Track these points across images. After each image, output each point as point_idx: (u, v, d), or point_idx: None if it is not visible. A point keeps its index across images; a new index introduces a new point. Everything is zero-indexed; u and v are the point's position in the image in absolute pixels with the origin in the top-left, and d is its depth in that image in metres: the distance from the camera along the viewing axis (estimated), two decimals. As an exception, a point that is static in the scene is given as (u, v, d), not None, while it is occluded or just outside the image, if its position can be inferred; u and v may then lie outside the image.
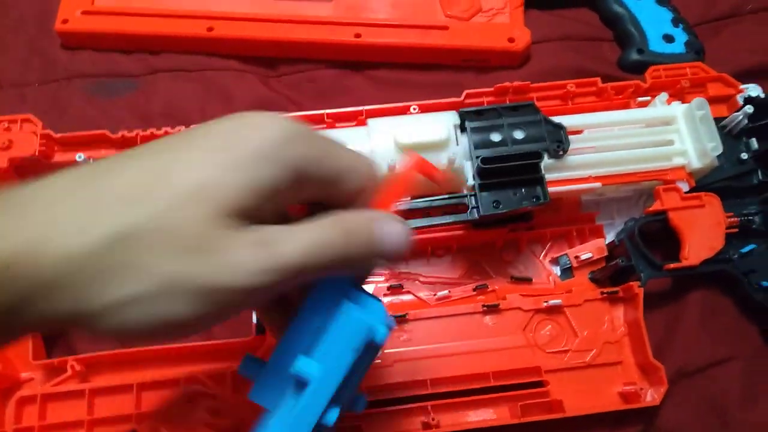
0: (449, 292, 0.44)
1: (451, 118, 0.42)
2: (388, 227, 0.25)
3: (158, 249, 0.20)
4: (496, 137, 0.41)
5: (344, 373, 0.24)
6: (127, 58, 0.53)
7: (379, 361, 0.40)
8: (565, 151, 0.42)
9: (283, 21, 0.52)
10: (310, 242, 0.22)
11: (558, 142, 0.42)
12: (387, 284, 0.45)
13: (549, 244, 0.46)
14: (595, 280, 0.45)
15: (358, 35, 0.51)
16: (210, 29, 0.52)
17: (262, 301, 0.25)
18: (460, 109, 0.42)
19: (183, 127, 0.45)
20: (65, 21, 0.53)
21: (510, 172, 0.40)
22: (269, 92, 0.52)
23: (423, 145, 0.40)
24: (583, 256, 0.44)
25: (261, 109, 0.48)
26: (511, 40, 0.51)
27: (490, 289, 0.44)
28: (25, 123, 0.44)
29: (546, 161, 0.41)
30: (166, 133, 0.45)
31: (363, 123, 0.45)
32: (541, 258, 0.46)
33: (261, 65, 0.54)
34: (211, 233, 0.20)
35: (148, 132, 0.44)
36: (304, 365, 0.24)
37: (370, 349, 0.26)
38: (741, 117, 0.44)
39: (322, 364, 0.24)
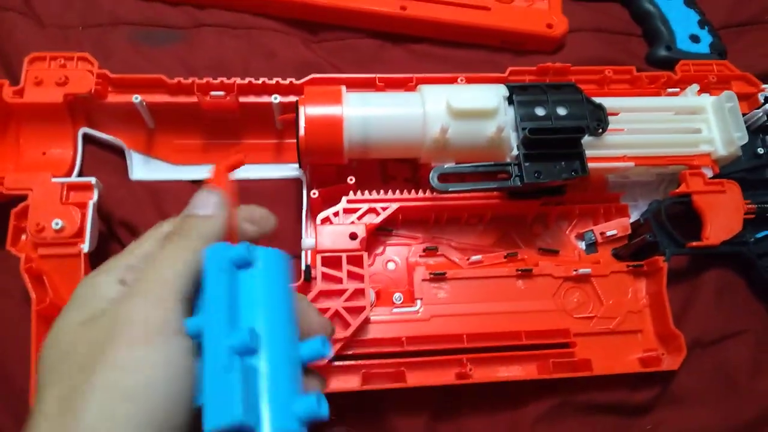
0: (482, 257, 0.46)
1: (500, 89, 0.44)
2: (196, 197, 0.27)
3: None
4: (540, 112, 0.44)
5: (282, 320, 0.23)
6: (173, 9, 0.54)
7: (419, 314, 0.42)
8: (604, 130, 0.44)
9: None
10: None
11: (598, 121, 0.44)
12: (423, 246, 0.46)
13: (576, 220, 0.48)
14: (618, 256, 0.47)
15: (403, 8, 0.53)
16: (257, -10, 0.53)
17: None
18: (508, 83, 0.45)
19: (225, 79, 0.46)
20: (113, -33, 0.53)
21: (552, 144, 0.43)
22: (311, 54, 0.53)
23: (474, 112, 0.42)
24: (609, 233, 0.47)
25: (303, 70, 0.50)
26: (549, 26, 0.54)
27: (519, 257, 0.47)
28: (81, 61, 0.44)
29: (585, 138, 0.44)
30: (209, 83, 0.45)
31: (412, 89, 0.47)
32: (567, 232, 0.48)
33: (304, 29, 0.55)
34: None
35: (204, 81, 0.45)
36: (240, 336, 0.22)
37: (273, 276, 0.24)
38: (761, 114, 0.48)
39: (260, 323, 0.23)
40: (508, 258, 0.46)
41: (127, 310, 0.22)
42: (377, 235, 0.46)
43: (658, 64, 0.55)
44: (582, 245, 0.48)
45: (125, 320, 0.22)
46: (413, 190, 0.45)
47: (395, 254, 0.47)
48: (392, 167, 0.49)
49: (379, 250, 0.47)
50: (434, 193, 0.44)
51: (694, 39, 0.55)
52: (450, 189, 0.42)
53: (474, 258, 0.46)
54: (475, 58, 0.54)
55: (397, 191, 0.45)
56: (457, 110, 0.42)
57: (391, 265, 0.46)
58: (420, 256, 0.46)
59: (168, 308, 0.22)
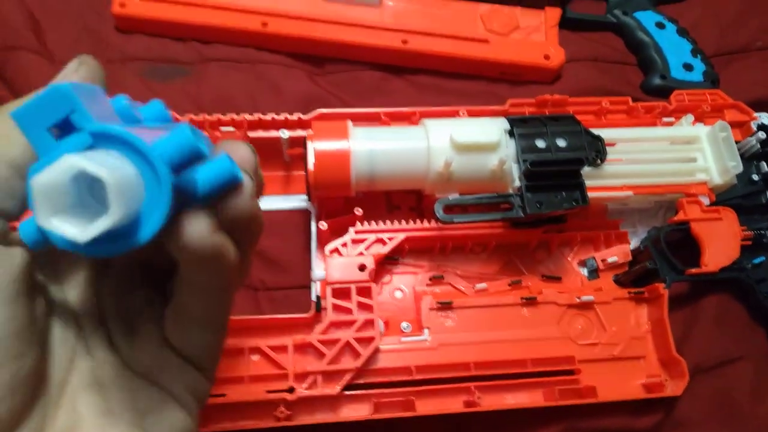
0: (487, 285, 0.47)
1: (501, 123, 0.45)
2: None
3: None
4: (540, 144, 0.45)
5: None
6: (180, 45, 0.55)
7: (427, 343, 0.43)
8: (603, 161, 0.45)
9: (333, 22, 0.55)
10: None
11: (597, 151, 0.46)
12: (429, 274, 0.47)
13: (577, 247, 0.50)
14: (619, 282, 0.48)
15: (405, 41, 0.55)
16: (264, 24, 0.54)
17: None
18: (508, 116, 0.46)
19: (234, 115, 0.47)
20: (123, 5, 0.54)
21: (553, 176, 0.44)
22: (316, 88, 0.55)
23: (477, 146, 0.43)
24: (610, 260, 0.48)
25: (308, 102, 0.52)
26: (546, 57, 0.55)
27: (523, 285, 0.48)
28: (94, 99, 0.45)
29: (584, 168, 0.45)
30: (219, 120, 0.47)
31: (415, 122, 0.48)
32: (569, 259, 0.50)
33: (308, 62, 0.56)
34: None
35: (214, 117, 0.46)
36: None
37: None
38: (754, 142, 0.49)
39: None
40: (513, 285, 0.47)
41: None
42: (384, 264, 0.48)
43: (653, 92, 0.56)
44: (584, 272, 0.49)
45: None
46: (419, 220, 0.46)
47: (402, 283, 0.48)
48: (397, 197, 0.51)
49: (387, 278, 0.48)
50: (439, 223, 0.46)
51: (688, 67, 0.57)
52: (455, 220, 0.44)
53: (479, 286, 0.47)
54: (475, 89, 0.56)
55: (403, 221, 0.46)
56: (461, 144, 0.43)
57: (398, 294, 0.47)
58: (427, 285, 0.47)
59: None
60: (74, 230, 0.15)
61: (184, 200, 0.17)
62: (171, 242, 0.18)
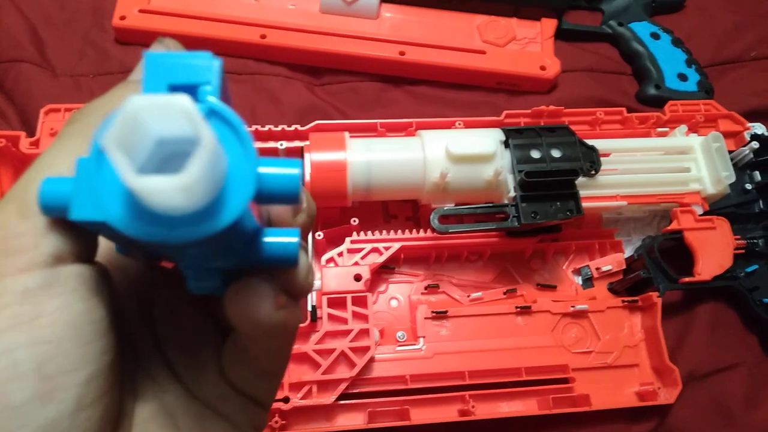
0: (482, 294, 0.48)
1: (496, 134, 0.46)
2: None
3: None
4: (536, 154, 0.46)
5: None
6: (180, 57, 0.56)
7: (422, 352, 0.44)
8: (597, 171, 0.46)
9: (332, 34, 0.56)
10: None
11: (591, 162, 0.46)
12: (425, 283, 0.48)
13: (572, 255, 0.50)
14: (614, 290, 0.49)
15: (402, 53, 0.55)
16: (263, 37, 0.55)
17: None
18: (504, 127, 0.47)
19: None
20: (123, 18, 0.55)
21: (548, 186, 0.44)
22: (315, 98, 0.55)
23: (472, 157, 0.44)
24: (604, 268, 0.49)
25: (306, 112, 0.52)
26: (542, 67, 0.56)
27: (518, 293, 0.48)
28: (95, 111, 0.46)
29: (579, 178, 0.46)
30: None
31: (412, 134, 0.49)
32: (564, 267, 0.50)
33: (306, 73, 0.57)
34: None
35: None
36: None
37: None
38: (747, 152, 0.50)
39: None
40: (508, 294, 0.48)
41: None
42: (380, 273, 0.48)
43: (648, 101, 0.57)
44: (579, 280, 0.50)
45: None
46: (414, 230, 0.47)
47: (398, 292, 0.48)
48: (394, 206, 0.51)
49: (382, 287, 0.48)
50: (435, 233, 0.46)
51: (682, 77, 0.57)
52: (450, 230, 0.44)
53: (474, 295, 0.48)
54: (472, 99, 0.56)
55: (399, 231, 0.46)
56: (456, 155, 0.44)
57: (393, 303, 0.48)
58: (422, 294, 0.48)
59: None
60: (161, 180, 0.12)
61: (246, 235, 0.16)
62: (235, 314, 0.17)
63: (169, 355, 0.20)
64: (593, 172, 0.46)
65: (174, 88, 0.14)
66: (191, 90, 0.14)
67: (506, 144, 0.46)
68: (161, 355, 0.20)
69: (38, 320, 0.15)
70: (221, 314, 0.20)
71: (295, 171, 0.15)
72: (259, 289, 0.16)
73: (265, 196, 0.15)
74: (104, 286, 0.17)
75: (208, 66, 0.14)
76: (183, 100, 0.12)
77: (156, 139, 0.13)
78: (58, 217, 0.15)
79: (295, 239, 0.16)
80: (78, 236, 0.16)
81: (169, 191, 0.12)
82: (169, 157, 0.13)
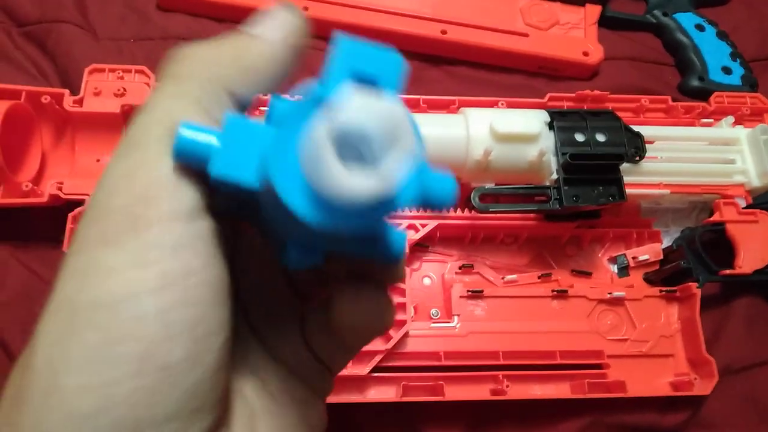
0: (516, 277, 0.47)
1: (541, 115, 0.45)
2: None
3: None
4: (580, 137, 0.45)
5: None
6: (219, 25, 0.56)
7: (456, 330, 0.44)
8: (642, 158, 0.45)
9: (373, 9, 0.55)
10: None
11: (636, 148, 0.45)
12: (459, 263, 0.48)
13: (609, 243, 0.49)
14: (649, 280, 0.48)
15: (444, 32, 0.55)
16: (306, 9, 0.54)
17: None
18: (548, 109, 0.46)
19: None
20: (165, -17, 0.55)
21: (591, 170, 0.44)
22: (353, 74, 0.55)
23: (517, 136, 0.43)
24: (641, 257, 0.48)
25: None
26: (585, 53, 0.55)
27: (553, 278, 0.48)
28: (139, 74, 0.46)
29: (622, 165, 0.45)
30: (259, 99, 0.47)
31: (454, 111, 0.48)
32: (600, 255, 0.49)
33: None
34: None
35: (254, 95, 0.46)
36: None
37: None
38: (792, 147, 0.49)
39: None
40: (542, 278, 0.47)
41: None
42: (414, 251, 0.48)
43: (690, 93, 0.56)
44: (614, 269, 0.49)
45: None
46: (452, 209, 0.46)
47: (431, 270, 0.48)
48: (430, 185, 0.51)
49: (416, 265, 0.48)
50: (472, 212, 0.46)
51: (726, 71, 0.56)
52: (491, 209, 0.44)
53: (509, 277, 0.47)
54: (512, 82, 0.56)
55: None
56: (501, 134, 0.43)
57: (426, 281, 0.48)
58: (456, 273, 0.48)
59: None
60: (365, 180, 0.12)
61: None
62: (353, 320, 0.17)
63: (252, 318, 0.20)
64: (638, 158, 0.45)
65: (357, 77, 0.14)
66: (373, 82, 0.14)
67: (550, 126, 0.45)
68: (245, 317, 0.20)
69: (188, 279, 0.14)
70: (302, 286, 0.21)
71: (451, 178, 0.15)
72: (381, 301, 0.17)
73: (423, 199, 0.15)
74: (226, 246, 0.16)
75: (395, 62, 0.14)
76: (398, 109, 0.13)
77: (361, 139, 0.12)
78: (189, 166, 0.15)
79: (404, 236, 0.17)
80: (206, 190, 0.15)
81: (368, 190, 0.12)
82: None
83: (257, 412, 0.18)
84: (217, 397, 0.15)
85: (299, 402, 0.19)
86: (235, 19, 0.56)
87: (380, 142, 0.12)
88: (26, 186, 0.42)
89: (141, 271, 0.14)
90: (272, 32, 0.18)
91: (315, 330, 0.20)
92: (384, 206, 0.13)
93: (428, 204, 0.15)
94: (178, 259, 0.14)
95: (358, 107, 0.12)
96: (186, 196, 0.14)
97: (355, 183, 0.12)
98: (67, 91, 0.45)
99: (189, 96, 0.16)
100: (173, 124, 0.15)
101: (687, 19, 0.59)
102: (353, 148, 0.12)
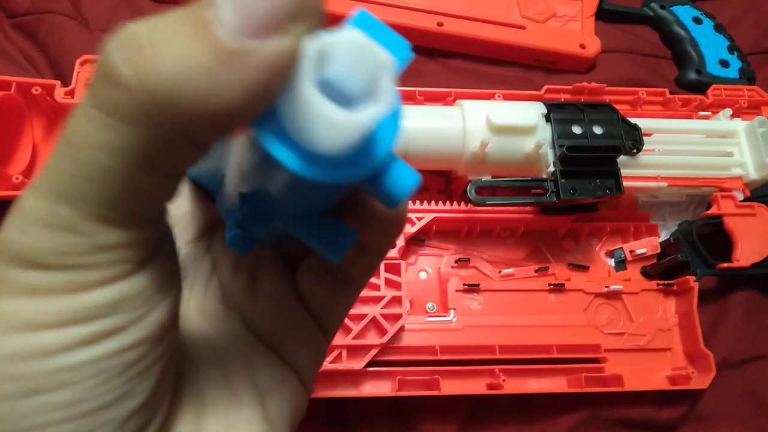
0: (513, 270, 0.47)
1: (538, 107, 0.45)
2: None
3: None
4: (577, 130, 0.45)
5: None
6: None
7: (452, 324, 0.43)
8: (639, 150, 0.45)
9: (369, 2, 0.55)
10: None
11: (633, 140, 0.45)
12: (455, 257, 0.47)
13: (606, 237, 0.49)
14: (647, 274, 0.48)
15: (440, 24, 0.54)
16: (300, 0, 0.54)
17: None
18: (545, 101, 0.46)
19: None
20: (159, -26, 0.54)
21: (589, 162, 0.43)
22: (348, 67, 0.54)
23: (514, 128, 0.43)
24: (638, 251, 0.48)
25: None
26: (582, 46, 0.55)
27: (550, 272, 0.47)
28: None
29: (619, 157, 0.45)
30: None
31: (450, 103, 0.48)
32: (597, 249, 0.49)
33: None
34: None
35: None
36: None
37: None
38: (790, 140, 0.48)
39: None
40: (539, 272, 0.47)
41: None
42: (410, 245, 0.47)
43: (687, 86, 0.56)
44: (611, 262, 0.49)
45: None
46: (447, 202, 0.46)
47: (427, 264, 0.47)
48: (426, 178, 0.50)
49: (412, 259, 0.47)
50: (468, 206, 0.45)
51: (724, 64, 0.56)
52: (488, 202, 0.43)
53: (506, 271, 0.47)
54: (508, 75, 0.56)
55: (432, 202, 0.46)
56: (498, 126, 0.43)
57: (422, 275, 0.47)
58: (452, 267, 0.47)
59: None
60: (342, 115, 0.11)
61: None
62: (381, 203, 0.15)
63: (224, 279, 0.19)
64: (635, 150, 0.45)
65: None
66: None
67: (547, 118, 0.45)
68: (216, 278, 0.19)
69: (128, 329, 0.13)
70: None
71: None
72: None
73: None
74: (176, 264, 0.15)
75: (402, 46, 0.13)
76: (388, 57, 0.12)
77: (348, 79, 0.12)
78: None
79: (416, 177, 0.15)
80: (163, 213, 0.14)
81: (348, 129, 0.11)
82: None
83: (207, 405, 0.17)
84: (158, 411, 0.15)
85: (262, 388, 0.18)
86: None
87: (365, 81, 0.12)
88: (17, 178, 0.42)
89: (73, 328, 0.12)
90: None
91: (310, 277, 0.19)
92: (367, 149, 0.13)
93: (380, 188, 0.14)
94: (118, 314, 0.12)
95: (352, 41, 0.12)
96: (126, 252, 0.12)
97: (344, 118, 0.11)
98: (58, 83, 0.44)
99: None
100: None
101: (684, 12, 0.59)
102: (336, 89, 0.12)
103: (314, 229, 0.15)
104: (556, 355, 0.43)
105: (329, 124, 0.11)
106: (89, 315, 0.12)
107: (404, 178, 0.14)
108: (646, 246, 0.48)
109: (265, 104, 0.11)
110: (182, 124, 0.10)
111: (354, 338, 0.40)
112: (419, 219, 0.45)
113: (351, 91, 0.12)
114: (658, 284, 0.46)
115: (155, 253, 0.13)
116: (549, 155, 0.44)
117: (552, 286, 0.45)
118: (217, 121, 0.11)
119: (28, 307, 0.12)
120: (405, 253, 0.47)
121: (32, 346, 0.12)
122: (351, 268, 0.18)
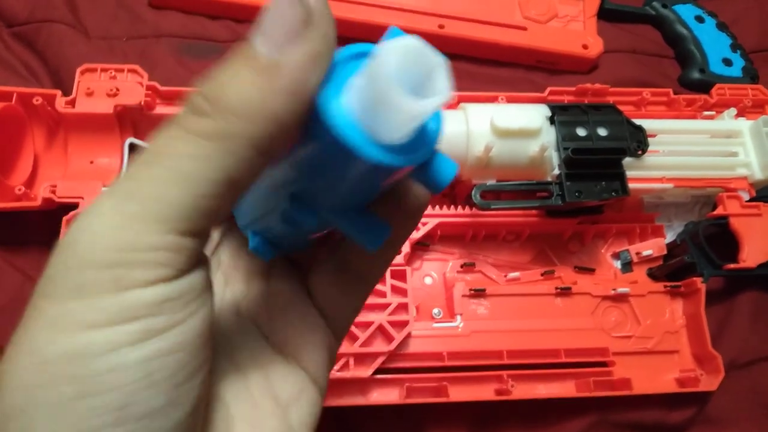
0: (519, 274, 0.47)
1: (542, 109, 0.45)
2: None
3: None
4: (581, 132, 0.44)
5: None
6: (213, 23, 0.55)
7: (459, 329, 0.43)
8: (644, 152, 0.45)
9: (369, 4, 0.54)
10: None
11: (638, 142, 0.45)
12: (460, 262, 0.47)
13: (611, 239, 0.49)
14: (653, 276, 0.48)
15: (441, 26, 0.54)
16: (300, 4, 0.54)
17: None
18: (549, 103, 0.45)
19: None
20: (157, -19, 0.54)
21: (594, 165, 0.43)
22: (350, 71, 0.54)
23: (518, 131, 0.43)
24: (644, 253, 0.48)
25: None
26: (584, 46, 0.54)
27: (556, 275, 0.47)
28: (131, 73, 0.45)
29: (624, 159, 0.44)
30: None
31: (453, 107, 0.47)
32: (603, 251, 0.49)
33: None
34: None
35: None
36: None
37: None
38: (795, 138, 0.48)
39: None
40: (545, 276, 0.47)
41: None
42: (415, 250, 0.47)
43: (691, 86, 0.55)
44: (617, 264, 0.49)
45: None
46: (452, 206, 0.46)
47: (432, 269, 0.47)
48: (430, 183, 0.50)
49: (417, 264, 0.47)
50: (473, 210, 0.45)
51: (727, 62, 0.56)
52: (492, 206, 0.43)
53: (512, 275, 0.47)
54: (511, 76, 0.55)
55: (437, 207, 0.45)
56: (502, 129, 0.43)
57: (428, 280, 0.47)
58: (457, 272, 0.47)
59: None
60: (412, 104, 0.13)
61: None
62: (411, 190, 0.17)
63: (236, 291, 0.20)
64: (640, 152, 0.45)
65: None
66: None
67: (551, 120, 0.44)
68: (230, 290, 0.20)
69: (172, 330, 0.14)
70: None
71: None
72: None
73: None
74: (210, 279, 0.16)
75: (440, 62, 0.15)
76: (441, 58, 0.14)
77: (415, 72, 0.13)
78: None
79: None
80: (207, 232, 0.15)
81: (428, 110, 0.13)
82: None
83: (234, 420, 0.18)
84: (198, 423, 0.15)
85: (284, 400, 0.19)
86: (229, 15, 0.55)
87: (423, 78, 0.14)
88: (19, 189, 0.42)
89: (121, 326, 0.13)
90: None
91: (324, 279, 0.20)
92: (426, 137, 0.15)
93: (429, 174, 0.16)
94: (161, 314, 0.14)
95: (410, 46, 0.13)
96: (179, 260, 0.14)
97: (413, 107, 0.13)
98: (59, 92, 0.44)
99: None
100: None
101: (686, 11, 0.58)
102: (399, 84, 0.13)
103: (355, 222, 0.17)
104: (564, 360, 0.42)
105: (401, 112, 0.13)
106: (134, 314, 0.13)
107: (447, 166, 0.16)
108: (652, 247, 0.48)
109: (307, 100, 0.13)
110: (249, 134, 0.13)
111: (361, 346, 0.40)
112: (424, 224, 0.45)
113: (411, 86, 0.13)
114: (665, 286, 0.45)
115: (197, 263, 0.15)
116: (554, 158, 0.44)
117: (558, 290, 0.45)
118: (275, 125, 0.13)
119: (79, 307, 0.13)
120: (410, 259, 0.47)
121: (84, 345, 0.13)
122: (366, 266, 0.19)
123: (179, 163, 0.13)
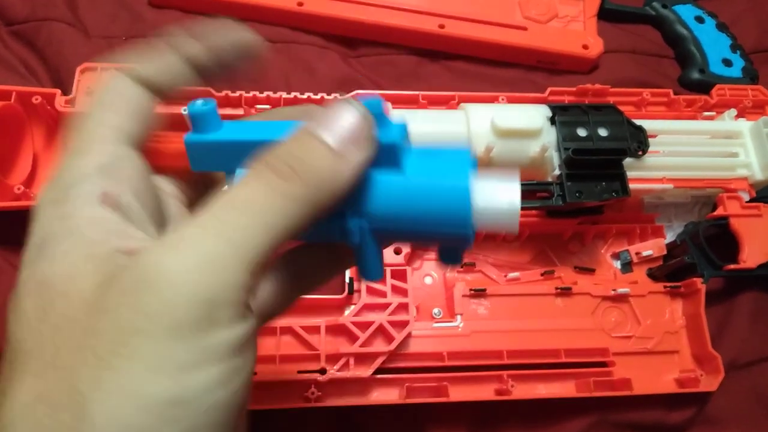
0: (519, 274, 0.47)
1: (542, 110, 0.45)
2: (324, 114, 0.18)
3: None
4: (582, 132, 0.44)
5: None
6: (212, 22, 0.55)
7: (459, 329, 0.43)
8: (645, 152, 0.45)
9: (369, 4, 0.54)
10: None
11: (639, 142, 0.45)
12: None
13: (611, 239, 0.49)
14: (653, 276, 0.48)
15: (441, 26, 0.54)
16: (300, 4, 0.54)
17: None
18: (550, 104, 0.45)
19: (271, 93, 0.47)
20: (157, -20, 0.54)
21: (594, 165, 0.43)
22: (350, 70, 0.54)
23: (519, 132, 0.43)
24: (644, 253, 0.48)
25: (342, 84, 0.51)
26: (585, 46, 0.54)
27: (556, 275, 0.47)
28: (131, 71, 0.45)
29: (625, 159, 0.44)
30: (255, 97, 0.46)
31: (454, 107, 0.47)
32: (603, 251, 0.49)
33: (342, 44, 0.56)
34: None
35: (251, 94, 0.46)
36: None
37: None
38: (795, 139, 0.48)
39: None
40: (545, 276, 0.47)
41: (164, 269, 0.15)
42: (415, 249, 0.47)
43: (691, 86, 0.55)
44: (617, 265, 0.49)
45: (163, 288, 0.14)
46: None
47: (432, 269, 0.47)
48: (430, 183, 0.50)
49: (416, 264, 0.47)
50: (474, 210, 0.45)
51: (727, 63, 0.56)
52: (493, 207, 0.43)
53: (512, 275, 0.47)
54: (511, 76, 0.55)
55: (437, 207, 0.45)
56: (503, 130, 0.43)
57: (428, 280, 0.47)
58: (457, 272, 0.47)
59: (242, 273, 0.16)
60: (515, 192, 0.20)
61: None
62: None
63: None
64: (641, 152, 0.45)
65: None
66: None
67: (552, 121, 0.44)
68: None
69: (246, 369, 0.16)
70: None
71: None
72: None
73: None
74: None
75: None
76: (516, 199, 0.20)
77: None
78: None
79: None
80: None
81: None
82: None
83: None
84: None
85: None
86: (229, 15, 0.55)
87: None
88: (18, 189, 0.41)
89: (215, 366, 0.15)
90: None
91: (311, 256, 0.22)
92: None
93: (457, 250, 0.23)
94: (242, 353, 0.16)
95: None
96: (250, 295, 0.16)
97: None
98: (58, 91, 0.44)
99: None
100: None
101: (686, 11, 0.58)
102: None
103: (375, 254, 0.21)
104: (564, 360, 0.42)
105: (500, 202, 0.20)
106: (224, 353, 0.15)
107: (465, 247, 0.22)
108: (652, 248, 0.48)
109: (357, 180, 0.18)
110: (320, 198, 0.17)
111: (361, 346, 0.40)
112: (424, 224, 0.45)
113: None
114: (665, 286, 0.45)
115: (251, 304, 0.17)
116: (554, 158, 0.44)
117: (559, 290, 0.45)
118: (337, 193, 0.17)
119: (179, 347, 0.14)
120: (410, 259, 0.47)
121: (185, 388, 0.14)
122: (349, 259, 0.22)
123: (264, 215, 0.16)
